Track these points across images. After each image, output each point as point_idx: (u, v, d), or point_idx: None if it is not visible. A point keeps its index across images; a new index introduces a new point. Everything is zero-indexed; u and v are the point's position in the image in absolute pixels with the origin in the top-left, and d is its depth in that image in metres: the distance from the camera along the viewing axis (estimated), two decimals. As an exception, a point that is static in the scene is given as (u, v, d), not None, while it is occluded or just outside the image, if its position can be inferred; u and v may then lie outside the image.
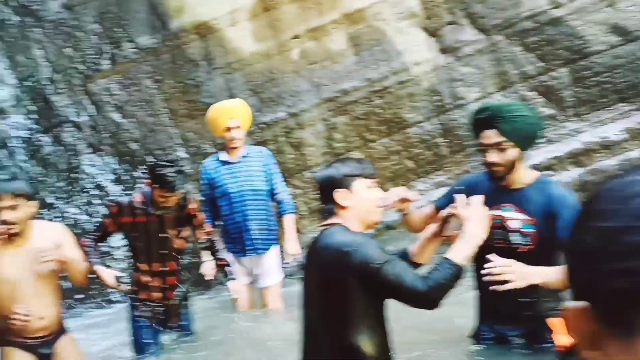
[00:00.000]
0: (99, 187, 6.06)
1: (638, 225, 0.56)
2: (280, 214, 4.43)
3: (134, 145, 6.08)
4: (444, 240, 2.33)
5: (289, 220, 4.40)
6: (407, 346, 2.43)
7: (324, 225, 2.32)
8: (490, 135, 2.52)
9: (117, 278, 3.58)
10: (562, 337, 2.55)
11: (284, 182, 4.55)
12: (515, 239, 2.54)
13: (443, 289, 2.10)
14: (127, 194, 5.99)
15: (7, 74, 6.15)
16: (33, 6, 6.21)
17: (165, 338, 3.74)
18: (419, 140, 5.81)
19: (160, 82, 6.07)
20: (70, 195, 6.04)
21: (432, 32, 5.91)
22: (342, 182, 2.27)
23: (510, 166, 2.53)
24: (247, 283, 4.41)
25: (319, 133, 5.89)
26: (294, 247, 4.37)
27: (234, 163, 4.38)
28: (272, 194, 4.40)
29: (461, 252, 2.15)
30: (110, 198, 6.01)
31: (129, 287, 3.73)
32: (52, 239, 3.56)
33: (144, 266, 3.71)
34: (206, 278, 4.26)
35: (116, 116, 6.12)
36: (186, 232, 3.79)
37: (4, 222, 3.29)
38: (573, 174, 5.35)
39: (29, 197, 3.39)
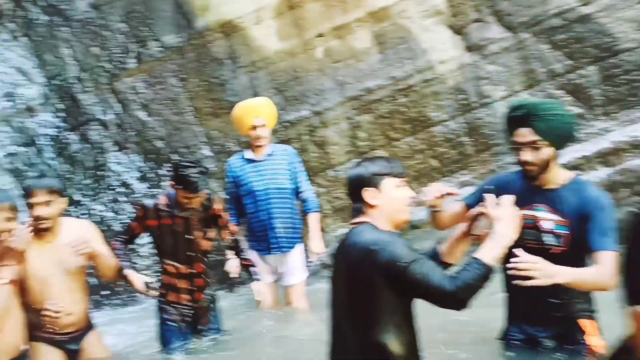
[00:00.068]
0: (124, 184, 6.12)
1: None
2: (304, 213, 4.42)
3: (159, 143, 6.13)
4: (474, 240, 2.30)
5: (313, 219, 4.40)
6: (434, 347, 2.41)
7: (352, 224, 2.31)
8: (525, 134, 2.48)
9: (147, 284, 3.60)
10: (593, 339, 2.51)
11: (309, 180, 4.55)
12: (547, 239, 2.50)
13: (471, 289, 2.08)
14: (152, 192, 6.05)
15: (35, 73, 6.24)
16: (61, 6, 6.29)
17: (195, 340, 3.73)
18: (443, 139, 5.77)
19: (185, 80, 6.10)
20: (97, 192, 6.11)
21: (458, 30, 5.86)
22: (370, 181, 2.26)
23: (544, 165, 2.49)
24: (272, 281, 4.41)
25: (342, 132, 5.88)
26: (319, 246, 4.36)
27: (259, 161, 4.39)
28: (296, 192, 4.40)
29: (490, 252, 2.12)
30: (135, 195, 6.07)
31: (157, 293, 3.72)
32: (80, 236, 3.61)
33: (171, 268, 3.72)
34: (231, 276, 4.27)
35: (142, 114, 6.18)
36: (212, 233, 3.78)
37: (38, 218, 3.34)
38: (601, 173, 5.27)
39: (60, 193, 3.45)
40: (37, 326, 3.36)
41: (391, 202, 2.27)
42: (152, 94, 6.15)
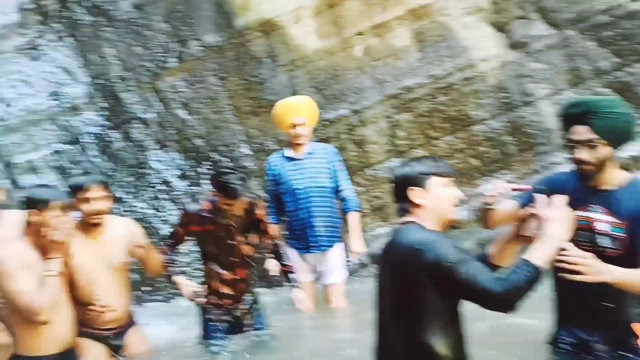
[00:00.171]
0: (165, 182, 6.20)
1: None
2: (344, 212, 4.41)
3: (198, 142, 6.19)
4: (524, 243, 2.25)
5: (353, 218, 4.38)
6: (482, 351, 2.37)
7: (399, 224, 2.29)
8: (582, 132, 2.41)
9: (195, 292, 3.64)
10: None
11: (349, 179, 4.53)
12: (603, 242, 2.42)
13: (520, 291, 2.03)
14: (191, 190, 6.12)
15: (80, 72, 6.37)
16: (105, 6, 6.40)
17: (238, 339, 3.74)
18: (484, 138, 5.68)
19: (225, 79, 6.15)
20: (138, 190, 6.20)
21: (500, 27, 5.76)
22: (416, 181, 2.24)
23: (600, 165, 2.42)
24: (311, 280, 4.42)
25: (381, 130, 5.85)
26: (359, 245, 4.35)
27: (299, 159, 4.39)
28: (336, 191, 4.39)
29: (540, 254, 2.08)
30: (175, 193, 6.15)
31: (204, 300, 3.75)
32: (124, 233, 3.68)
33: (214, 273, 3.74)
34: (270, 274, 4.28)
35: (182, 113, 6.25)
36: (254, 238, 3.77)
37: (96, 212, 3.42)
38: (650, 174, 5.11)
39: (110, 190, 3.52)
40: (82, 321, 3.43)
41: (438, 202, 2.24)
42: (193, 92, 6.22)
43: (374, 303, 2.30)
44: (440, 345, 2.11)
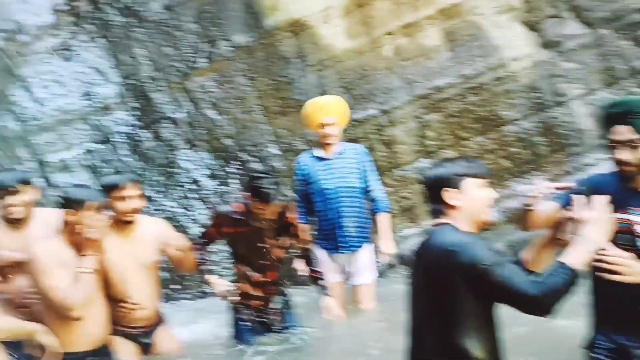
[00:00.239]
0: (194, 181, 6.25)
1: None
2: (374, 212, 4.38)
3: (227, 141, 6.23)
4: (561, 247, 2.20)
5: (383, 219, 4.35)
6: (515, 354, 2.33)
7: (432, 225, 2.27)
8: (623, 132, 2.36)
9: (227, 291, 3.65)
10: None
11: (379, 180, 4.50)
12: (643, 245, 2.37)
13: (557, 294, 1.99)
14: (220, 189, 6.16)
15: (111, 72, 6.45)
16: (136, 7, 6.48)
17: (268, 340, 3.74)
18: (515, 139, 5.61)
19: (254, 79, 6.18)
20: (168, 189, 6.26)
21: (532, 26, 5.68)
22: (451, 182, 2.21)
23: None
24: (340, 281, 4.40)
25: (410, 130, 5.81)
26: (389, 246, 4.32)
27: (329, 159, 4.38)
28: (366, 191, 4.37)
29: (577, 256, 2.03)
30: (204, 193, 6.20)
31: (237, 299, 3.75)
32: (155, 232, 3.72)
33: (244, 274, 3.74)
34: (299, 273, 4.28)
35: (211, 113, 6.29)
36: (285, 241, 3.77)
37: (133, 211, 3.48)
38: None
39: (142, 189, 3.58)
40: (113, 319, 3.46)
41: (473, 203, 2.21)
42: (222, 92, 6.26)
43: (407, 304, 2.28)
44: (475, 348, 2.08)
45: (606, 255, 2.12)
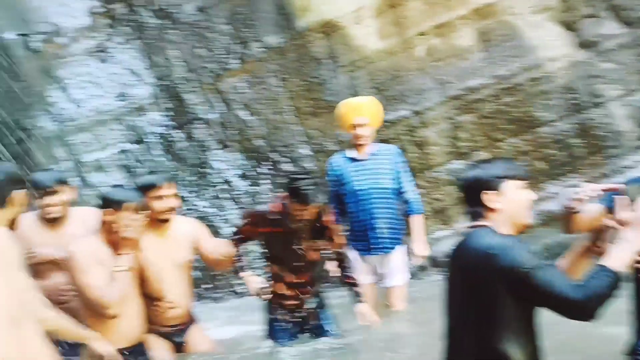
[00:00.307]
0: (226, 182, 6.30)
1: None
2: (407, 214, 4.35)
3: (259, 142, 6.26)
4: (599, 254, 2.14)
5: (416, 221, 4.32)
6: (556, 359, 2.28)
7: (470, 227, 2.23)
8: None
9: (261, 289, 3.65)
10: None
11: (412, 181, 4.47)
12: (691, 249, 2.29)
13: (600, 298, 1.94)
14: (252, 190, 6.20)
15: (146, 74, 6.55)
16: (170, 9, 6.56)
17: (303, 340, 3.72)
18: (551, 141, 5.51)
19: (286, 80, 6.20)
20: (200, 189, 6.32)
21: (569, 26, 5.58)
22: (491, 184, 2.17)
23: None
24: (371, 282, 4.38)
25: (443, 132, 5.76)
26: (422, 248, 4.28)
27: (362, 160, 4.36)
28: (399, 193, 4.33)
29: (619, 258, 1.98)
30: (235, 193, 6.24)
31: (270, 297, 3.75)
32: (189, 231, 3.75)
33: (278, 275, 3.74)
34: (331, 275, 4.26)
35: (243, 113, 6.34)
36: (321, 244, 3.74)
37: (169, 210, 3.52)
38: None
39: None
40: (148, 317, 3.50)
41: (513, 206, 2.16)
42: (254, 93, 6.30)
43: (443, 307, 2.25)
44: (514, 352, 2.04)
45: None
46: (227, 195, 6.23)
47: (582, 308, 1.94)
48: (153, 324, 3.54)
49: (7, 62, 6.19)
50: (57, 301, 3.30)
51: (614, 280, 1.95)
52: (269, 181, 6.20)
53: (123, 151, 6.43)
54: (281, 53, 6.21)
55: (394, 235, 4.32)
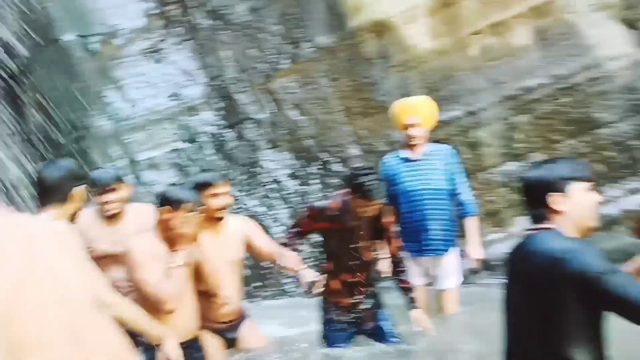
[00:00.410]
0: (275, 181, 6.33)
1: None
2: (461, 216, 4.27)
3: (309, 142, 6.27)
4: None
5: (471, 223, 4.23)
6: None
7: (532, 230, 2.16)
8: None
9: (314, 283, 3.63)
10: None
11: (467, 182, 4.38)
12: None
13: None
14: (301, 189, 6.20)
15: (198, 74, 6.64)
16: (222, 10, 6.63)
17: (359, 342, 3.69)
18: (611, 142, 5.33)
19: (336, 80, 6.18)
20: (250, 188, 6.37)
21: (631, 24, 5.39)
22: (556, 186, 2.09)
23: None
24: (423, 284, 4.31)
25: (497, 133, 5.64)
26: (477, 251, 4.19)
27: (415, 161, 4.30)
28: (454, 194, 4.26)
29: None
30: (285, 192, 6.26)
31: (320, 291, 3.72)
32: (241, 229, 3.78)
33: (333, 273, 3.71)
34: (382, 275, 4.22)
35: (293, 113, 6.35)
36: (378, 245, 3.71)
37: (223, 207, 3.56)
38: None
39: None
40: (202, 313, 3.53)
41: (579, 208, 2.08)
42: (304, 93, 6.31)
43: (503, 311, 2.19)
44: (582, 359, 1.96)
45: None
46: (277, 195, 6.26)
47: (655, 315, 1.86)
48: (206, 320, 3.58)
49: (67, 63, 6.37)
50: (115, 295, 3.36)
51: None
52: (318, 181, 6.20)
53: (175, 150, 6.53)
54: (332, 53, 6.20)
55: (447, 237, 4.25)
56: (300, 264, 3.63)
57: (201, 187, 3.52)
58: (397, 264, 3.79)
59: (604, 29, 5.42)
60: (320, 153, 6.19)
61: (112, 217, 3.67)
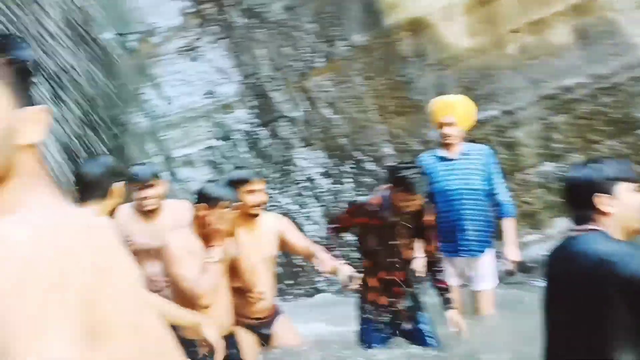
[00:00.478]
0: (309, 179, 6.33)
1: None
2: (498, 217, 4.21)
3: (343, 141, 6.25)
4: None
5: (508, 224, 4.17)
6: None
7: (576, 231, 2.11)
8: None
9: (351, 277, 3.61)
10: None
11: (505, 183, 4.32)
12: None
13: None
14: (334, 188, 6.19)
15: (233, 72, 6.68)
16: (258, 9, 6.67)
17: (396, 343, 3.66)
18: (653, 143, 5.20)
19: (371, 79, 6.16)
20: (283, 186, 6.39)
21: (676, 22, 5.24)
22: (603, 186, 2.04)
23: None
24: (457, 285, 4.27)
25: (534, 132, 5.55)
26: (514, 253, 4.13)
27: (452, 160, 4.26)
28: (490, 194, 4.20)
29: None
30: (318, 191, 6.25)
31: (356, 287, 3.70)
32: (275, 226, 3.79)
33: (370, 270, 3.70)
34: (416, 275, 4.18)
35: (327, 112, 6.35)
36: (417, 243, 3.68)
37: (260, 204, 3.58)
38: None
39: None
40: (236, 309, 3.55)
41: (626, 210, 2.03)
42: (338, 92, 6.29)
43: (544, 312, 2.14)
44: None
45: None
46: (310, 193, 6.26)
47: None
48: (240, 316, 3.60)
49: (105, 60, 6.48)
50: (151, 290, 3.41)
51: None
52: (351, 180, 6.18)
53: (210, 147, 6.58)
54: (367, 51, 6.17)
55: (483, 238, 4.20)
56: (333, 261, 3.62)
57: (237, 183, 3.54)
58: (434, 263, 3.75)
59: (647, 27, 5.29)
60: (353, 152, 6.17)
61: (149, 213, 3.71)
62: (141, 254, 3.62)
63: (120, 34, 6.64)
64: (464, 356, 3.53)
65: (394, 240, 3.60)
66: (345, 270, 3.59)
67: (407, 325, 3.71)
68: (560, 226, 5.23)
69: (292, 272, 5.83)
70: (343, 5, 6.30)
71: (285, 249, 3.86)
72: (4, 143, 0.86)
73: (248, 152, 6.52)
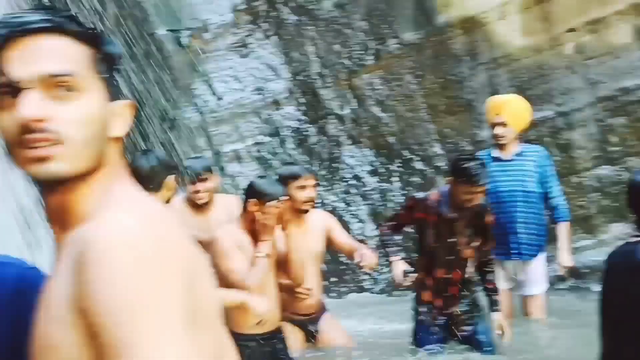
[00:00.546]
0: (356, 177, 6.31)
1: None
2: (553, 221, 4.10)
3: (391, 139, 6.21)
4: None
5: (562, 228, 4.07)
6: None
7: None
8: None
9: (405, 273, 3.57)
10: None
11: (560, 186, 4.21)
12: None
13: None
14: (382, 187, 6.16)
15: (282, 69, 6.71)
16: (309, 6, 6.67)
17: (450, 348, 3.60)
18: None
19: (422, 77, 6.09)
20: (331, 183, 6.38)
21: None
22: None
23: None
24: (507, 288, 4.18)
25: (591, 135, 5.39)
26: (567, 258, 4.02)
27: (506, 161, 4.18)
28: (545, 197, 4.10)
29: None
30: (366, 189, 6.23)
31: (410, 283, 3.66)
32: (322, 223, 3.80)
33: (427, 268, 3.65)
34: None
35: (376, 110, 6.31)
36: (477, 243, 3.61)
37: (311, 200, 3.60)
38: None
39: None
40: (283, 305, 3.57)
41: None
42: (388, 90, 6.24)
43: (600, 318, 2.08)
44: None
45: None
46: (357, 191, 6.24)
47: None
48: (287, 312, 3.62)
49: (159, 56, 6.60)
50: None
51: None
52: (399, 179, 6.13)
53: (258, 143, 6.63)
54: (418, 49, 6.10)
55: (535, 242, 4.10)
56: (376, 257, 3.60)
57: (288, 179, 3.56)
58: (486, 263, 3.68)
59: None
60: (402, 150, 6.12)
61: (201, 206, 3.76)
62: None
63: (173, 30, 6.75)
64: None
65: (452, 237, 3.54)
66: (400, 266, 3.55)
67: (464, 330, 3.63)
68: (615, 231, 5.07)
69: (338, 270, 5.82)
70: (394, 2, 6.24)
71: (331, 246, 3.86)
72: (99, 135, 0.90)
73: (296, 149, 6.54)
